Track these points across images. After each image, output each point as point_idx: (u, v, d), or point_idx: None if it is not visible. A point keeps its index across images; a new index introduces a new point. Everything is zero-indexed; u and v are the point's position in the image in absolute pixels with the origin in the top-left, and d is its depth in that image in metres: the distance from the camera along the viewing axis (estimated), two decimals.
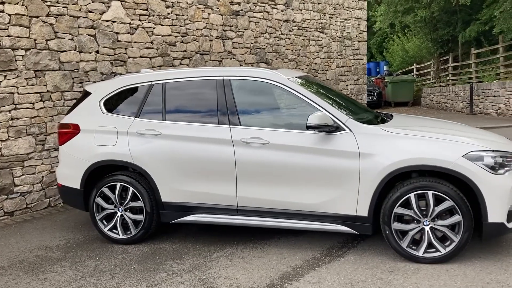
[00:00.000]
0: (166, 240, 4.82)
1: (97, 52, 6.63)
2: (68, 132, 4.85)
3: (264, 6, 9.38)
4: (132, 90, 4.81)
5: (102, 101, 4.85)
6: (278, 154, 4.18)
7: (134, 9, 7.06)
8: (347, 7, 11.76)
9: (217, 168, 4.35)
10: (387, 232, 3.99)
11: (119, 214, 4.70)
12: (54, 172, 6.21)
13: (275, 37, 9.71)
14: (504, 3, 16.04)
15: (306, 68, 10.55)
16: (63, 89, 6.28)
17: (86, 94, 5.06)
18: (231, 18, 8.67)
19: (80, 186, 4.78)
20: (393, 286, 3.58)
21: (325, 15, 11.05)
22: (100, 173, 4.83)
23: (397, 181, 4.04)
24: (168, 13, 7.55)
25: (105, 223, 4.77)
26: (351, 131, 4.07)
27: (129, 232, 4.71)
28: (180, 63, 7.79)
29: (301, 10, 10.32)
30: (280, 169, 4.18)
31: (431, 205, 3.88)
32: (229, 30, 8.65)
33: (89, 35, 6.52)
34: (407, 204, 3.95)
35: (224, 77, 4.51)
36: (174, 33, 7.65)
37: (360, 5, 12.22)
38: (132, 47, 7.08)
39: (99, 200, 4.72)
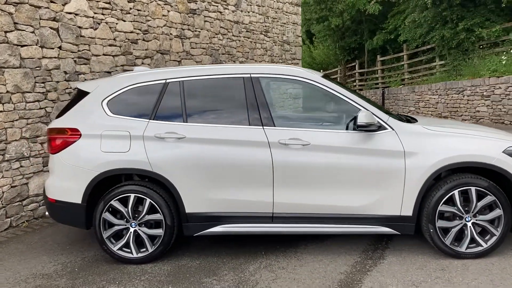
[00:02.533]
0: (183, 255, 4.34)
1: (60, 48, 5.82)
2: (64, 138, 4.15)
3: (217, 6, 9.05)
4: (142, 89, 4.25)
5: (106, 101, 4.22)
6: (320, 156, 3.97)
7: (97, 1, 6.34)
8: (286, 12, 11.85)
9: (251, 173, 4.01)
10: (431, 230, 3.98)
11: (132, 230, 4.12)
12: (16, 186, 5.32)
13: (227, 38, 9.42)
14: (412, 14, 17.43)
15: None
16: (25, 90, 5.40)
17: (81, 93, 4.37)
18: (188, 16, 8.22)
19: (82, 201, 4.11)
20: (456, 285, 3.56)
21: (268, 19, 11.00)
22: (103, 185, 4.20)
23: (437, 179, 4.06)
24: (130, 8, 6.91)
25: (113, 241, 4.16)
26: (393, 130, 4.01)
27: (144, 249, 4.15)
28: (142, 63, 7.17)
29: (248, 12, 10.16)
30: (322, 172, 3.98)
31: (474, 201, 3.95)
32: (187, 29, 8.19)
33: (51, 28, 5.70)
34: (449, 201, 3.98)
35: (252, 75, 4.18)
36: (136, 30, 7.03)
37: (296, 10, 12.39)
38: (96, 44, 6.34)
39: (107, 215, 4.10)
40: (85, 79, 6.18)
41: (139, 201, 4.10)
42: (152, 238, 4.15)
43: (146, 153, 4.03)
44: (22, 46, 5.35)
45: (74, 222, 4.27)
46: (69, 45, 5.93)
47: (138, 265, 4.14)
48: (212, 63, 8.88)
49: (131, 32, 6.93)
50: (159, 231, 4.12)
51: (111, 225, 4.14)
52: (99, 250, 4.50)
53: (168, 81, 4.23)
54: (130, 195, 4.07)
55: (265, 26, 10.88)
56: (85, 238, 4.88)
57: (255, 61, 10.51)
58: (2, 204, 5.23)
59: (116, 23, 6.65)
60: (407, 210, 3.98)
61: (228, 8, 9.42)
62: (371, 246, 4.40)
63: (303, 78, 4.15)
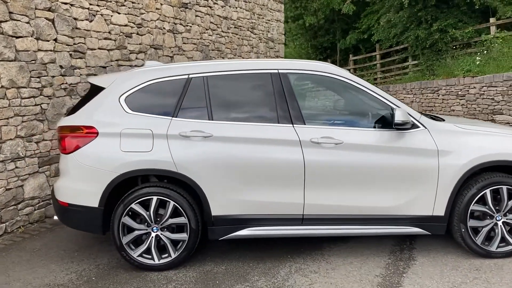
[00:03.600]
0: (204, 260, 4.12)
1: (56, 40, 5.44)
2: (79, 137, 3.83)
3: (207, 0, 8.79)
4: (163, 85, 3.99)
5: (123, 97, 3.93)
6: (353, 155, 3.84)
7: None
8: (270, 9, 11.70)
9: (282, 173, 3.83)
10: (463, 230, 3.93)
11: (153, 234, 3.86)
12: (11, 189, 4.92)
13: (216, 34, 9.18)
14: (387, 14, 17.65)
15: None
16: (20, 85, 5.00)
17: (95, 89, 4.07)
18: (181, 10, 7.92)
19: (99, 204, 3.81)
20: (496, 285, 3.52)
21: (254, 15, 10.82)
22: (120, 187, 3.92)
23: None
24: (125, 0, 6.56)
25: (133, 247, 3.88)
26: (426, 128, 3.92)
27: (166, 255, 3.90)
28: (136, 58, 6.85)
29: (236, 8, 9.94)
30: (355, 172, 3.85)
31: (505, 200, 3.92)
32: (179, 24, 7.90)
33: (47, 19, 5.32)
34: (479, 201, 3.93)
35: (280, 71, 4.00)
36: (130, 23, 6.69)
37: (279, 7, 12.26)
38: (91, 37, 5.98)
39: (126, 219, 3.82)
40: (81, 74, 5.82)
41: (162, 204, 3.84)
42: (174, 243, 3.91)
43: (171, 152, 3.78)
44: (17, 37, 4.95)
45: (89, 227, 3.97)
46: (64, 38, 5.56)
47: (160, 272, 3.88)
48: (202, 59, 8.62)
49: (126, 25, 6.59)
50: (183, 236, 3.88)
51: (131, 230, 3.86)
52: (112, 257, 4.22)
53: (191, 76, 3.99)
54: (152, 198, 3.81)
55: (252, 22, 10.70)
56: (91, 244, 4.56)
57: (243, 58, 10.30)
58: None
59: (111, 16, 6.30)
60: (439, 210, 3.91)
61: (218, 3, 9.17)
62: (397, 247, 4.31)
63: (332, 74, 4.01)
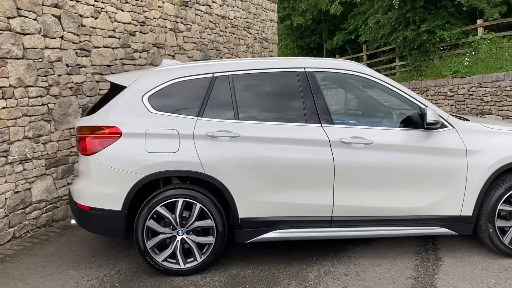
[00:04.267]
0: (228, 264, 4.02)
1: (62, 38, 5.26)
2: (102, 137, 3.69)
3: None
4: (187, 84, 3.87)
5: (146, 97, 3.81)
6: (383, 155, 3.79)
7: None
8: (265, 8, 11.63)
9: (310, 174, 3.76)
10: (490, 230, 3.92)
11: (179, 238, 3.74)
12: (19, 192, 4.73)
13: (215, 34, 9.06)
14: (375, 15, 17.78)
15: None
16: (27, 84, 4.81)
17: (115, 88, 3.92)
18: (181, 9, 7.78)
19: (122, 207, 3.68)
20: None
21: (250, 14, 10.73)
22: (143, 190, 3.79)
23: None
24: None
25: (157, 251, 3.76)
26: (454, 127, 3.91)
27: (191, 259, 3.78)
28: (140, 56, 6.68)
29: (233, 7, 9.83)
30: (385, 172, 3.80)
31: None
32: (180, 23, 7.75)
33: (54, 15, 5.13)
34: (507, 201, 3.93)
35: (306, 69, 3.92)
36: (134, 21, 6.52)
37: (273, 7, 12.20)
38: (96, 35, 5.81)
39: (151, 222, 3.70)
40: (86, 73, 5.64)
41: (188, 207, 3.73)
42: (200, 247, 3.79)
43: (197, 153, 3.66)
44: (25, 34, 4.76)
45: (111, 231, 3.82)
46: (70, 35, 5.38)
47: (185, 277, 3.76)
48: (202, 59, 8.49)
49: (129, 23, 6.42)
50: (210, 239, 3.77)
51: (155, 233, 3.74)
52: (131, 262, 4.08)
53: (215, 75, 3.89)
54: (178, 200, 3.69)
55: (247, 22, 10.61)
56: (106, 249, 4.41)
57: (239, 58, 10.21)
58: (5, 213, 4.62)
59: (115, 13, 6.13)
60: (468, 210, 3.90)
61: (216, 2, 9.05)
62: (421, 248, 4.29)
63: (359, 73, 3.96)
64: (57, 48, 5.19)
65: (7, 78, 4.58)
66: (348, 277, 3.72)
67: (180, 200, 3.69)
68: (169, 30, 7.44)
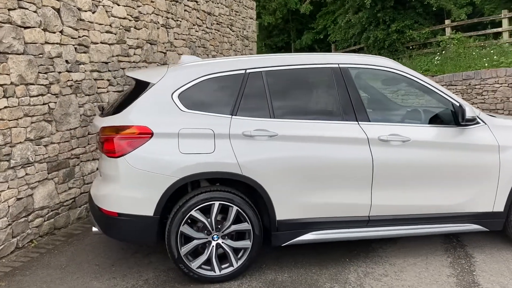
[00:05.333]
0: (260, 268, 3.86)
1: (62, 32, 4.91)
2: (132, 138, 3.43)
3: None
4: (219, 80, 3.68)
5: (176, 94, 3.58)
6: (420, 153, 3.74)
7: None
8: (245, 5, 11.47)
9: (349, 173, 3.65)
10: None
11: (214, 243, 3.54)
12: (22, 199, 4.37)
13: (202, 30, 8.82)
14: (346, 14, 17.97)
15: None
16: (29, 81, 4.45)
17: (141, 85, 3.67)
18: (172, 4, 7.50)
19: (154, 213, 3.44)
20: None
21: (232, 11, 10.54)
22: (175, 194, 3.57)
23: None
24: None
25: (190, 258, 3.55)
26: (485, 124, 3.91)
27: (226, 265, 3.60)
28: (134, 53, 6.37)
29: (217, 3, 9.61)
30: (422, 170, 3.76)
31: None
32: (171, 19, 7.48)
33: (53, 8, 4.78)
34: None
35: (341, 65, 3.81)
36: (129, 16, 6.21)
37: (251, 5, 12.06)
38: (95, 30, 5.48)
39: (185, 228, 3.48)
40: (85, 70, 5.30)
41: (223, 210, 3.54)
42: (236, 251, 3.61)
43: (234, 154, 3.48)
44: (25, 28, 4.40)
45: (142, 238, 3.58)
46: (70, 30, 5.03)
47: (221, 284, 3.57)
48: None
49: (125, 18, 6.11)
50: (246, 243, 3.59)
51: (188, 239, 3.52)
52: (156, 270, 3.85)
53: (248, 71, 3.71)
54: (213, 203, 3.49)
55: (230, 19, 10.41)
56: (125, 257, 4.14)
57: (224, 55, 10.00)
58: (9, 221, 4.25)
59: (112, 7, 5.81)
60: (499, 205, 3.91)
61: None
62: (447, 245, 4.27)
63: (392, 69, 3.89)
64: (57, 43, 4.84)
65: (8, 75, 4.21)
66: (388, 277, 3.64)
67: (216, 203, 3.49)
68: (161, 26, 7.15)
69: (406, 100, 5.91)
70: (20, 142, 4.36)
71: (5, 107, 4.18)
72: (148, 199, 3.43)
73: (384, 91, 4.23)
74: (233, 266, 3.58)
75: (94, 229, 3.74)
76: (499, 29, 14.27)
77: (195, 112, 3.55)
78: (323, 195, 3.64)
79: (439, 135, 3.79)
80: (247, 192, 3.64)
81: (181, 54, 7.81)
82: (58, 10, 4.85)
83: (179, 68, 3.74)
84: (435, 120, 3.90)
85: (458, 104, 3.80)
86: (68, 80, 5.02)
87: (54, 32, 4.80)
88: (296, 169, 3.57)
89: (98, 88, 5.54)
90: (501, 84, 11.67)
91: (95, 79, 5.50)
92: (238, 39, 10.94)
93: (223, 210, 3.54)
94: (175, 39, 7.65)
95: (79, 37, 5.19)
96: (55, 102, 4.83)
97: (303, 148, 3.58)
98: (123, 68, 6.07)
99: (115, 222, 3.51)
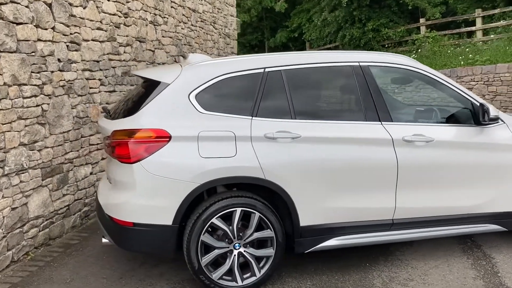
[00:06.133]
0: (281, 277, 3.70)
1: (54, 29, 4.59)
2: (148, 142, 3.20)
3: None
4: (237, 80, 3.48)
5: (193, 95, 3.36)
6: (444, 153, 3.67)
7: None
8: (226, 3, 11.24)
9: (374, 175, 3.54)
10: None
11: (235, 252, 3.36)
12: (16, 208, 4.06)
13: (187, 28, 8.55)
14: (322, 13, 17.97)
15: None
16: (22, 81, 4.13)
17: (152, 84, 3.43)
18: (159, 0, 7.22)
19: (173, 222, 3.22)
20: None
21: (215, 9, 10.30)
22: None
23: None
24: None
25: (211, 268, 3.35)
26: (504, 122, 3.87)
27: (248, 275, 3.42)
28: (124, 51, 6.08)
29: (201, 0, 9.36)
30: (445, 170, 3.69)
31: None
32: (158, 15, 7.19)
33: (45, 3, 4.46)
34: None
35: (361, 64, 3.68)
36: (118, 13, 5.91)
37: (232, 2, 11.84)
38: (86, 26, 5.17)
39: (206, 237, 3.28)
40: (77, 69, 4.99)
41: (245, 217, 3.36)
42: (258, 260, 3.43)
43: (257, 157, 3.29)
44: (18, 24, 4.08)
45: (159, 249, 3.35)
46: (62, 26, 4.71)
47: None
48: (178, 55, 7.97)
49: (114, 14, 5.80)
50: (269, 251, 3.42)
51: (209, 248, 3.32)
52: (171, 282, 3.64)
53: (267, 70, 3.53)
54: (235, 210, 3.30)
55: (213, 16, 10.17)
56: (132, 268, 3.90)
57: (208, 53, 9.76)
58: (3, 233, 3.93)
59: (102, 2, 5.50)
60: None
61: None
62: (463, 246, 4.23)
63: (412, 67, 3.80)
64: (50, 40, 4.52)
65: (1, 75, 3.89)
66: (414, 282, 3.55)
67: (238, 210, 3.30)
68: (150, 23, 6.86)
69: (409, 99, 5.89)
70: (14, 147, 4.04)
71: None
72: (167, 207, 3.21)
73: (405, 89, 4.14)
74: (255, 276, 3.41)
75: (104, 240, 3.49)
76: (473, 28, 14.58)
77: (214, 113, 3.35)
78: (348, 199, 3.51)
79: (461, 135, 3.73)
80: (267, 197, 3.47)
81: (168, 53, 7.55)
82: (50, 5, 4.53)
83: (195, 67, 3.53)
84: (453, 119, 3.84)
85: (478, 103, 3.75)
86: (61, 80, 4.70)
87: (46, 29, 4.48)
88: (320, 173, 3.42)
89: (90, 88, 5.23)
90: (477, 82, 11.88)
91: (87, 79, 5.19)
92: (220, 37, 10.71)
93: (244, 217, 3.35)
94: (163, 36, 7.37)
95: (70, 34, 4.88)
96: (48, 104, 4.51)
97: (327, 150, 3.44)
98: (113, 67, 5.77)
99: (130, 232, 3.27)
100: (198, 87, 3.38)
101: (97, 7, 5.40)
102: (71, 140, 4.87)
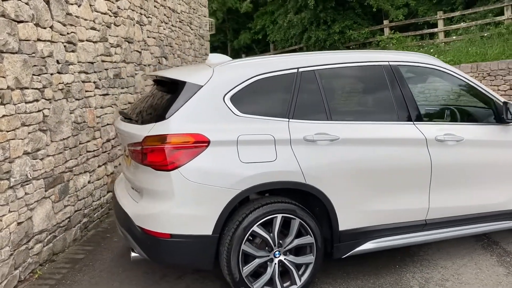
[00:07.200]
0: (314, 282, 3.57)
1: (52, 28, 4.28)
2: (186, 148, 3.00)
3: None
4: (271, 81, 3.34)
5: (228, 97, 3.20)
6: (473, 152, 3.70)
7: None
8: (200, 3, 11.03)
9: (411, 176, 3.52)
10: None
11: (276, 260, 3.22)
12: (22, 223, 3.74)
13: (168, 28, 8.29)
14: (287, 14, 18.02)
15: None
16: (24, 85, 3.81)
17: (182, 86, 3.21)
18: None
19: (213, 231, 3.05)
20: None
21: (191, 9, 10.06)
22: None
23: None
24: None
25: (251, 279, 3.20)
26: None
27: (288, 283, 3.29)
28: (115, 52, 5.78)
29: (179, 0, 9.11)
30: (476, 169, 3.72)
31: None
32: (144, 15, 6.91)
33: (44, 0, 4.15)
34: None
35: (391, 63, 3.65)
36: (109, 12, 5.61)
37: (205, 3, 11.63)
38: (81, 25, 4.85)
39: (247, 246, 3.12)
40: (74, 72, 4.67)
41: (285, 223, 3.23)
42: (298, 267, 3.31)
43: (297, 161, 3.17)
44: (19, 22, 3.75)
45: (197, 261, 3.15)
46: (59, 25, 4.40)
47: None
48: (161, 56, 7.70)
49: (106, 13, 5.50)
50: (309, 258, 3.31)
51: (248, 258, 3.17)
52: None
53: (300, 70, 3.41)
54: (276, 217, 3.16)
55: (189, 17, 9.94)
56: (154, 281, 3.67)
57: (186, 55, 9.52)
58: (11, 251, 3.59)
59: (95, 0, 5.20)
60: None
61: None
62: (482, 243, 4.26)
63: (435, 66, 3.80)
64: (49, 40, 4.21)
65: (4, 78, 3.55)
66: (450, 282, 3.54)
67: (279, 216, 3.17)
68: (137, 22, 6.58)
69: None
70: (19, 157, 3.71)
71: (3, 116, 3.51)
72: (206, 216, 3.03)
73: (432, 88, 4.14)
74: (296, 284, 3.28)
75: (134, 254, 3.25)
76: (435, 30, 15.06)
77: (251, 116, 3.19)
78: (384, 201, 3.45)
79: (487, 133, 3.78)
80: (303, 201, 3.35)
81: (152, 54, 7.27)
82: (48, 3, 4.21)
83: (227, 67, 3.36)
84: (477, 118, 3.88)
85: (501, 102, 3.80)
86: (60, 83, 4.38)
87: (45, 28, 4.15)
88: (359, 175, 3.35)
89: (86, 91, 4.92)
90: None
91: (83, 82, 4.88)
92: (196, 38, 10.49)
93: (284, 224, 3.22)
94: (148, 37, 7.09)
95: (67, 33, 4.56)
96: (49, 109, 4.18)
97: (365, 152, 3.37)
98: (106, 69, 5.46)
99: (167, 245, 3.05)
100: (233, 88, 3.21)
101: (90, 5, 5.09)
102: (70, 147, 4.55)
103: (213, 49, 23.61)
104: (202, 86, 3.17)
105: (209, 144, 3.03)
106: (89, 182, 4.96)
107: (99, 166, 5.20)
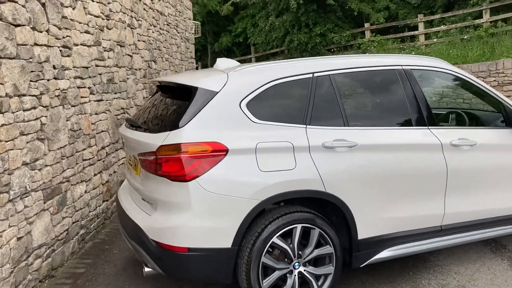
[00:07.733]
0: None
1: (48, 32, 4.08)
2: (204, 157, 2.87)
3: None
4: (287, 86, 3.25)
5: (244, 103, 3.08)
6: (487, 156, 3.69)
7: None
8: (186, 6, 10.85)
9: (426, 182, 3.48)
10: None
11: (295, 272, 3.12)
12: (22, 238, 3.54)
13: (157, 31, 8.10)
14: (268, 17, 17.97)
15: (173, 70, 9.21)
16: (22, 92, 3.61)
17: (193, 92, 3.07)
18: (135, 2, 6.76)
19: (233, 244, 2.93)
20: None
21: (177, 12, 9.89)
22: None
23: None
24: None
25: None
26: None
27: None
28: (108, 57, 5.59)
29: (166, 2, 8.93)
30: (489, 173, 3.71)
31: None
32: (134, 18, 6.72)
33: (39, 2, 3.95)
34: None
35: (404, 67, 3.60)
36: (102, 15, 5.42)
37: (189, 5, 11.46)
38: (76, 29, 4.66)
39: (267, 258, 3.01)
40: (70, 77, 4.48)
41: (305, 234, 3.13)
42: (317, 278, 3.22)
43: (317, 168, 3.08)
44: (16, 25, 3.56)
45: (216, 275, 3.02)
46: (55, 29, 4.21)
47: None
48: (150, 60, 7.51)
49: (98, 16, 5.31)
50: (329, 269, 3.22)
51: (268, 270, 3.06)
52: None
53: (315, 74, 3.32)
54: (296, 227, 3.06)
55: (176, 20, 9.76)
56: None
57: (174, 58, 9.34)
58: (11, 268, 3.39)
59: (88, 3, 5.01)
60: None
61: None
62: (491, 247, 4.26)
63: (447, 70, 3.78)
64: (45, 45, 4.01)
65: (3, 84, 3.36)
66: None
67: (299, 227, 3.08)
68: (128, 26, 6.39)
69: None
70: (17, 168, 3.51)
71: (2, 125, 3.32)
72: (226, 228, 2.90)
73: (442, 92, 4.12)
74: None
75: (147, 269, 3.10)
76: (416, 32, 15.25)
77: (268, 123, 3.09)
78: (402, 207, 3.40)
79: (500, 137, 3.77)
80: (320, 210, 3.26)
81: (143, 58, 7.08)
82: (44, 5, 4.02)
83: (242, 73, 3.25)
84: (488, 122, 3.87)
85: (510, 105, 3.80)
86: (56, 89, 4.19)
87: (41, 32, 3.96)
88: (377, 182, 3.28)
89: (81, 97, 4.73)
90: None
91: (78, 87, 4.68)
92: (182, 41, 10.31)
93: (304, 234, 3.13)
94: (138, 40, 6.90)
95: (63, 37, 4.37)
96: (46, 116, 3.99)
97: (383, 158, 3.31)
98: (100, 74, 5.27)
99: (184, 259, 2.91)
100: (249, 94, 3.10)
101: (84, 8, 4.90)
102: (67, 156, 4.36)
103: (194, 52, 23.40)
104: (217, 92, 3.05)
105: (227, 153, 2.90)
106: (85, 191, 4.76)
107: (95, 175, 5.01)
